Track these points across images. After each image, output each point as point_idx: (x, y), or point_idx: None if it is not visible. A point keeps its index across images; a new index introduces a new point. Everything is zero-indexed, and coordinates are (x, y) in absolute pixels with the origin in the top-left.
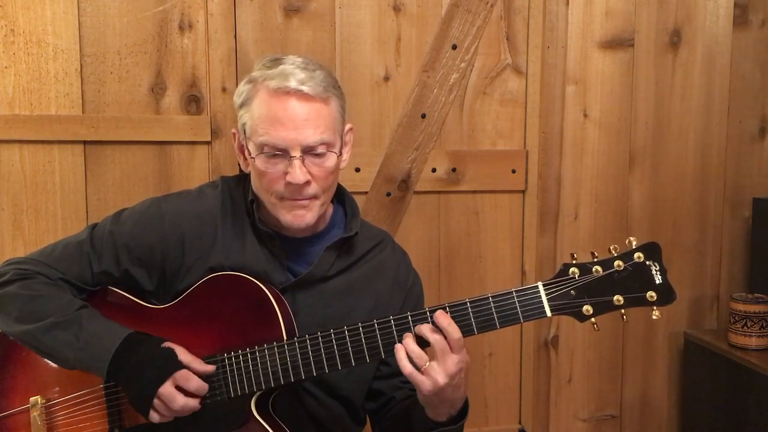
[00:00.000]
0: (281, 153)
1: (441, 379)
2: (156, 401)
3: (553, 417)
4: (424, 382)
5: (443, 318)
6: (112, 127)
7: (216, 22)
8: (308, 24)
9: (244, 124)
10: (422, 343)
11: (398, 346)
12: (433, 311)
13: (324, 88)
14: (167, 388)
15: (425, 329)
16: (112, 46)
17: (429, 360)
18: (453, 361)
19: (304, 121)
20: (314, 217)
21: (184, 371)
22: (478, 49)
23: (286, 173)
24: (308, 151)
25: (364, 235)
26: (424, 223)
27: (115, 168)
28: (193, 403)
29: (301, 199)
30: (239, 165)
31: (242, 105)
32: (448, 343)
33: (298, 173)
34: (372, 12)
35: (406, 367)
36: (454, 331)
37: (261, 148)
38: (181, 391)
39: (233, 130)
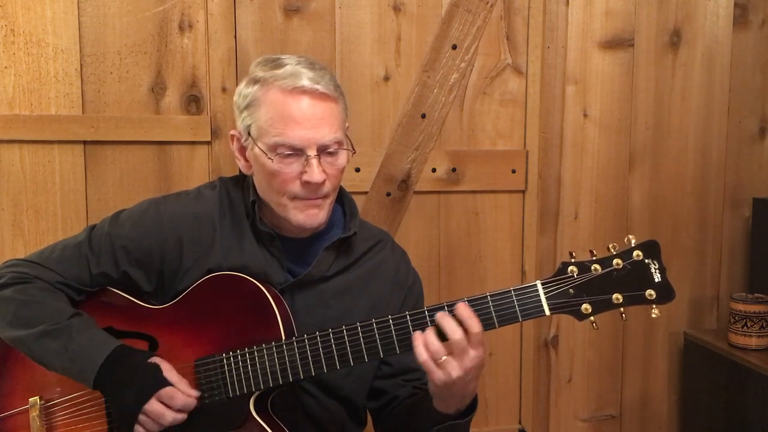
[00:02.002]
0: (296, 153)
1: (455, 373)
2: (142, 417)
3: (553, 417)
4: (436, 373)
5: (464, 309)
6: (112, 127)
7: (216, 22)
8: (308, 24)
9: (248, 126)
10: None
11: (417, 334)
12: (431, 311)
13: (334, 87)
14: (153, 405)
15: (447, 323)
16: (112, 46)
17: (446, 354)
18: (470, 357)
19: (320, 120)
20: (325, 216)
21: (168, 389)
22: (478, 49)
23: (301, 173)
24: (323, 150)
25: (363, 235)
26: (424, 223)
27: (115, 168)
28: (182, 417)
29: (315, 198)
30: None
31: (248, 106)
32: (468, 338)
33: (316, 172)
34: (372, 12)
35: (422, 354)
36: (474, 324)
37: (274, 148)
38: (166, 407)
39: (232, 132)
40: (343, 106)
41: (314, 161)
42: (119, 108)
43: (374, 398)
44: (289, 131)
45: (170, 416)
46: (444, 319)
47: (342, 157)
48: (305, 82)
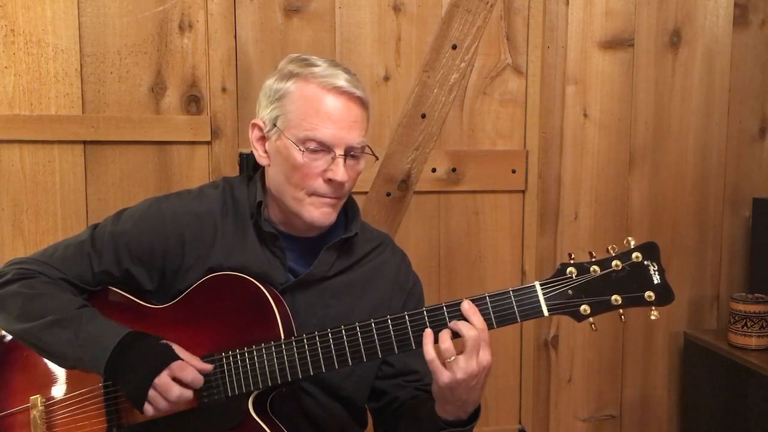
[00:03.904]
0: (324, 149)
1: (460, 374)
2: (151, 392)
3: (553, 417)
4: (442, 373)
5: (468, 306)
6: (112, 127)
7: (216, 22)
8: (308, 24)
9: (276, 117)
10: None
11: (428, 331)
12: (430, 311)
13: (366, 95)
14: (163, 378)
15: (461, 324)
16: (112, 46)
17: (455, 354)
18: (478, 361)
19: (353, 122)
20: (336, 216)
21: (180, 361)
22: (478, 49)
23: (324, 170)
24: (349, 151)
25: (364, 236)
26: (424, 223)
27: (115, 168)
28: (188, 394)
29: (332, 197)
30: (239, 165)
31: (279, 98)
32: (479, 341)
33: (342, 171)
34: (372, 12)
35: (429, 352)
36: (478, 321)
37: (303, 141)
38: (177, 382)
39: (254, 121)
40: (368, 115)
41: (340, 160)
42: (119, 108)
43: (375, 399)
44: (323, 127)
45: (177, 391)
46: (458, 323)
47: (362, 162)
48: (344, 83)
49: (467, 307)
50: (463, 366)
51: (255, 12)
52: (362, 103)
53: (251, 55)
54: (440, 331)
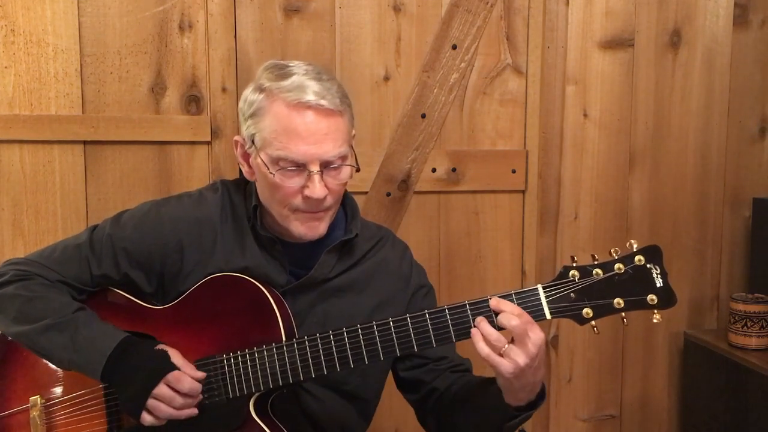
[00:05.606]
0: (298, 167)
1: (522, 359)
2: (151, 402)
3: (553, 417)
4: (503, 364)
5: (497, 303)
6: (112, 127)
7: (216, 22)
8: (308, 24)
9: (253, 135)
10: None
11: (474, 330)
12: (432, 314)
13: (340, 100)
14: (162, 389)
15: (502, 316)
16: (112, 46)
17: (507, 342)
18: (532, 341)
19: (324, 135)
20: (326, 227)
21: (176, 372)
22: (478, 49)
23: (303, 187)
24: (326, 165)
25: (364, 235)
26: (424, 223)
27: (115, 168)
28: (189, 401)
29: (316, 212)
30: (240, 170)
31: (252, 115)
32: (523, 322)
33: (318, 188)
34: (372, 12)
35: (483, 349)
36: (513, 308)
37: (276, 161)
38: (174, 392)
39: (236, 138)
40: (349, 118)
41: (316, 177)
42: (119, 108)
43: (413, 391)
44: (293, 146)
45: (179, 400)
46: (499, 308)
47: (345, 172)
48: (310, 96)
49: (495, 303)
50: (521, 351)
51: (255, 12)
52: (333, 112)
53: (251, 55)
54: (479, 324)
